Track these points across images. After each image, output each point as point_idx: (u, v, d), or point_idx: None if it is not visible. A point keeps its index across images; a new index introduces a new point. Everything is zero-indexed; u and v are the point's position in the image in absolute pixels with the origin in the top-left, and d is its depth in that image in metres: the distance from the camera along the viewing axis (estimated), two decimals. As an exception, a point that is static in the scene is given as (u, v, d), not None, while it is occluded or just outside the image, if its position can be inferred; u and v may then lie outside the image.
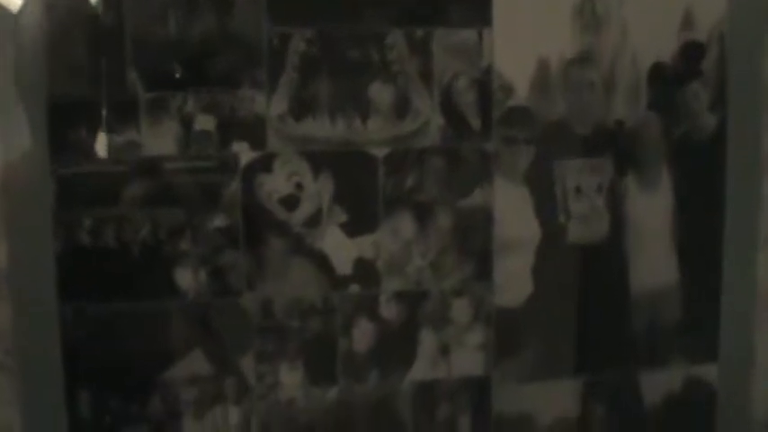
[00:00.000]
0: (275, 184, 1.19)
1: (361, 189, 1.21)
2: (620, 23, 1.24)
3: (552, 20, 1.22)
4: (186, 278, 1.19)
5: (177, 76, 1.12)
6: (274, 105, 1.17)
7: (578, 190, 1.26)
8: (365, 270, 1.22)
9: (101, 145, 1.15)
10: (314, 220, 1.20)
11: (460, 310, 1.25)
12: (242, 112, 1.17)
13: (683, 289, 1.31)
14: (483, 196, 1.23)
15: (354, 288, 1.22)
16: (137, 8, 1.13)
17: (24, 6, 1.12)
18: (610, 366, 1.30)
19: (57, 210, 1.15)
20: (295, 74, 1.17)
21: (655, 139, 1.28)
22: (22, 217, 1.15)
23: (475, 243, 1.24)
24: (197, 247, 1.18)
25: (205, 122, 1.16)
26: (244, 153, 1.17)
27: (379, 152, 1.20)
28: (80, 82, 1.14)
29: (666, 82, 1.27)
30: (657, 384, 1.32)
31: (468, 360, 1.26)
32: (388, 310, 1.23)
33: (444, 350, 1.25)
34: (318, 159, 1.19)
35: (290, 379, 1.22)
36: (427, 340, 1.25)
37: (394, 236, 1.22)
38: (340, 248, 1.21)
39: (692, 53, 1.27)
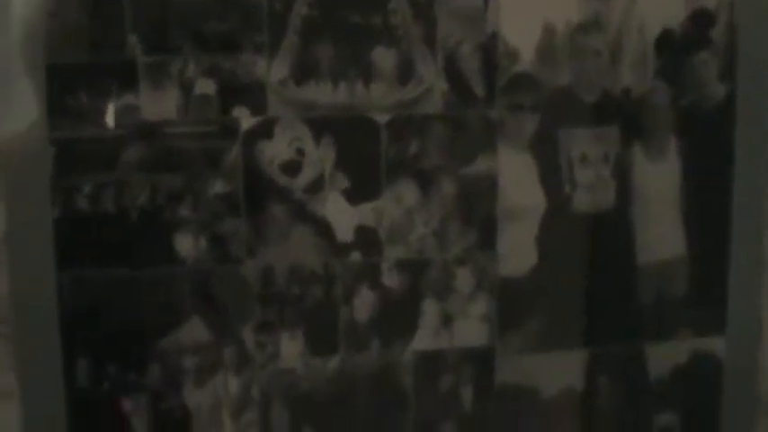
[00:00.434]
0: (276, 150, 1.17)
1: (363, 155, 1.19)
2: (627, -11, 1.22)
3: (558, -15, 1.21)
4: (186, 245, 1.17)
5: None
6: (275, 70, 1.15)
7: (584, 159, 1.24)
8: (367, 238, 1.20)
9: (101, 111, 1.14)
10: (315, 187, 1.18)
11: (464, 279, 1.23)
12: (243, 77, 1.15)
13: (690, 260, 1.29)
14: (487, 164, 1.22)
15: (356, 256, 1.20)
16: (136, -30, 1.12)
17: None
18: (615, 338, 1.29)
19: (55, 175, 1.14)
20: (297, 38, 1.16)
21: (662, 109, 1.26)
22: (20, 183, 1.13)
23: (478, 211, 1.22)
24: (197, 214, 1.17)
25: (205, 87, 1.15)
26: (244, 118, 1.16)
27: (382, 118, 1.18)
28: (79, 46, 1.12)
29: (674, 50, 1.25)
30: (664, 357, 1.31)
31: (471, 330, 1.24)
32: (390, 279, 1.21)
33: (447, 320, 1.24)
34: (320, 125, 1.17)
35: (291, 348, 1.21)
36: (430, 310, 1.23)
37: (396, 203, 1.20)
38: (341, 215, 1.19)
39: (701, 21, 1.25)
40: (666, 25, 1.24)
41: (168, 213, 1.16)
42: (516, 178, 1.22)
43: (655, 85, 1.25)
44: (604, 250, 1.27)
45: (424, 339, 1.23)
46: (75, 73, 1.12)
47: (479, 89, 1.20)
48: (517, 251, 1.24)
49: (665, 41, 1.25)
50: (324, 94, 1.17)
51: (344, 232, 1.19)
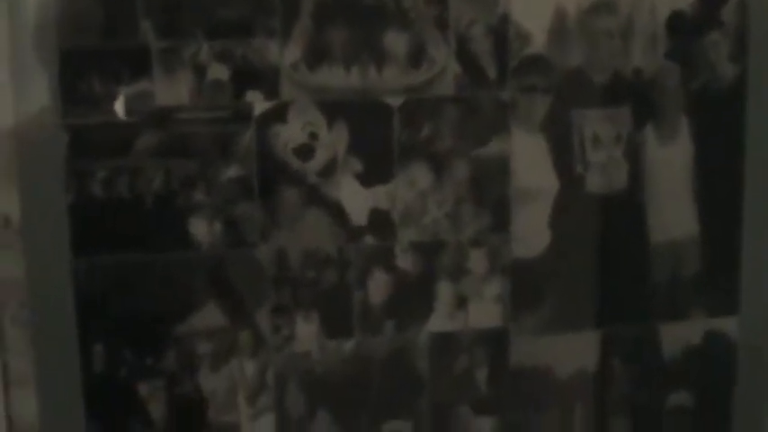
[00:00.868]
0: (289, 134, 1.17)
1: (376, 139, 1.19)
2: (638, -30, 1.22)
3: (569, -34, 1.21)
4: (200, 229, 1.17)
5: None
6: (288, 54, 1.16)
7: (596, 140, 1.24)
8: (380, 221, 1.20)
9: (115, 96, 1.14)
10: (328, 170, 1.19)
11: (477, 261, 1.23)
12: (256, 62, 1.15)
13: (703, 241, 1.29)
14: (499, 146, 1.22)
15: (369, 239, 1.20)
16: (149, -45, 1.12)
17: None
18: (629, 319, 1.29)
19: (69, 161, 1.14)
20: (309, 22, 1.16)
21: (673, 89, 1.26)
22: (36, 169, 1.14)
23: (492, 193, 1.22)
24: (211, 198, 1.17)
25: (218, 72, 1.15)
26: (257, 102, 1.16)
27: (395, 101, 1.18)
28: (92, 32, 1.13)
29: (685, 31, 1.25)
30: (677, 337, 1.31)
31: (485, 312, 1.25)
32: (404, 262, 1.22)
33: (461, 302, 1.24)
34: (333, 109, 1.18)
35: (306, 331, 1.21)
36: (444, 292, 1.23)
37: (409, 186, 1.20)
38: (355, 199, 1.20)
39: (711, 1, 1.25)
40: (677, 6, 1.24)
41: (182, 198, 1.17)
42: (529, 160, 1.23)
43: (666, 66, 1.25)
44: (617, 231, 1.27)
45: (439, 321, 1.24)
46: (88, 59, 1.13)
47: (491, 71, 1.20)
48: (530, 232, 1.24)
49: (676, 22, 1.25)
50: (336, 77, 1.17)
51: (358, 215, 1.20)
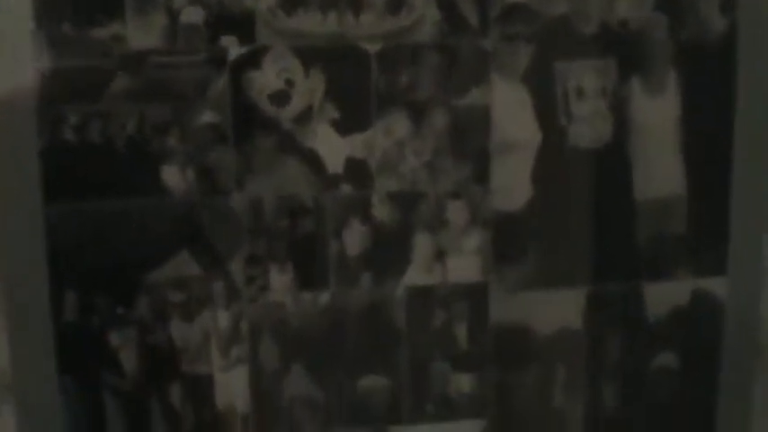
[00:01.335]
0: (265, 80, 1.15)
1: (353, 86, 1.17)
2: None
3: None
4: (173, 176, 1.16)
5: None
6: (264, -2, 1.14)
7: (580, 92, 1.22)
8: (357, 169, 1.18)
9: (87, 40, 1.12)
10: (304, 118, 1.17)
11: (456, 213, 1.21)
12: (231, 5, 1.13)
13: (690, 198, 1.26)
14: (480, 96, 1.19)
15: (346, 188, 1.18)
16: None
17: None
18: (613, 277, 1.26)
19: (40, 105, 1.12)
20: (285, -35, 1.14)
21: (661, 42, 1.23)
22: (4, 113, 1.12)
23: (472, 144, 1.20)
24: (184, 145, 1.15)
25: (193, 15, 1.13)
26: (232, 47, 1.14)
27: (372, 48, 1.16)
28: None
29: (674, -19, 1.22)
30: (663, 297, 1.28)
31: (464, 265, 1.22)
32: (381, 212, 1.19)
33: (440, 255, 1.21)
34: (309, 55, 1.15)
35: (280, 282, 1.19)
36: (422, 244, 1.21)
37: (387, 135, 1.18)
38: (331, 147, 1.17)
39: (701, -49, 1.23)
40: (666, -45, 1.21)
41: (155, 144, 1.15)
42: (510, 110, 1.20)
43: (653, 17, 1.22)
44: (601, 186, 1.24)
45: (416, 274, 1.21)
46: (60, 1, 1.10)
47: (473, 18, 1.17)
48: (512, 185, 1.22)
49: (665, -28, 1.22)
50: (313, 23, 1.15)
51: (334, 164, 1.18)
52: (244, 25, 1.14)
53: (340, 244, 1.19)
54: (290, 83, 1.15)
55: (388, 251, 1.20)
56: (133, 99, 1.13)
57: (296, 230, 1.18)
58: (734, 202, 1.27)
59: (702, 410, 1.30)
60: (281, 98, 1.15)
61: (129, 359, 1.18)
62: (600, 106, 1.22)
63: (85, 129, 1.13)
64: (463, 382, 1.25)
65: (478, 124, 1.19)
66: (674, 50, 1.23)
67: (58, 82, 1.12)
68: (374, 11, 1.15)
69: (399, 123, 1.18)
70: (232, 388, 1.20)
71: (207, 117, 1.15)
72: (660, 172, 1.26)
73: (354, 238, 1.19)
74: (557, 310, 1.26)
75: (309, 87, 1.16)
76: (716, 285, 1.29)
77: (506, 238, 1.22)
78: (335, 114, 1.17)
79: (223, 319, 1.19)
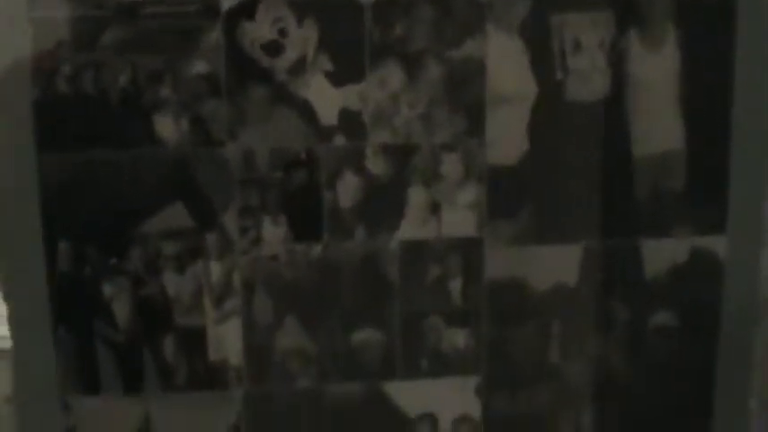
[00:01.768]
0: (258, 30, 1.15)
1: (347, 37, 1.16)
2: None
3: None
4: (166, 127, 1.15)
5: None
6: (257, -53, 1.13)
7: (577, 45, 1.20)
8: (351, 121, 1.17)
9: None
10: (298, 68, 1.16)
11: (451, 165, 1.20)
12: (224, -46, 1.13)
13: (689, 154, 1.25)
14: (475, 47, 1.18)
15: (340, 139, 1.17)
16: None
17: None
18: (610, 233, 1.25)
19: (34, 56, 1.12)
20: None
21: (660, -5, 1.22)
22: None
23: (467, 96, 1.19)
24: (177, 95, 1.15)
25: (185, -36, 1.13)
26: (226, -3, 1.14)
27: (366, -1, 1.16)
28: None
29: (674, -67, 1.21)
30: (662, 254, 1.27)
31: (459, 219, 1.21)
32: (375, 164, 1.18)
33: (434, 208, 1.21)
34: (303, 5, 1.15)
35: (273, 234, 1.19)
36: (416, 197, 1.20)
37: (381, 86, 1.17)
38: (325, 98, 1.17)
39: None
40: None
41: (148, 95, 1.14)
42: (506, 63, 1.19)
43: (652, -31, 1.20)
44: (598, 141, 1.23)
45: (410, 228, 1.20)
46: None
47: (467, -32, 1.16)
48: (507, 138, 1.20)
49: (665, -77, 1.20)
50: (307, -28, 1.14)
51: (328, 115, 1.17)
52: (237, -25, 1.13)
53: (334, 196, 1.18)
54: (283, 33, 1.15)
55: (382, 204, 1.19)
56: (126, 49, 1.13)
57: (289, 182, 1.17)
58: (733, 158, 1.25)
59: (701, 369, 1.29)
60: (274, 48, 1.15)
61: (121, 310, 1.18)
62: (597, 60, 1.21)
63: (78, 79, 1.13)
64: (457, 338, 1.24)
65: (473, 77, 1.19)
66: (673, 3, 1.22)
67: (51, 32, 1.12)
68: (368, -39, 1.15)
69: (393, 75, 1.17)
70: (225, 340, 1.20)
71: (200, 67, 1.14)
72: (659, 127, 1.24)
73: (348, 191, 1.18)
74: (552, 266, 1.24)
75: (303, 38, 1.15)
76: (715, 243, 1.27)
77: (501, 192, 1.21)
78: (329, 65, 1.16)
79: (216, 270, 1.18)
